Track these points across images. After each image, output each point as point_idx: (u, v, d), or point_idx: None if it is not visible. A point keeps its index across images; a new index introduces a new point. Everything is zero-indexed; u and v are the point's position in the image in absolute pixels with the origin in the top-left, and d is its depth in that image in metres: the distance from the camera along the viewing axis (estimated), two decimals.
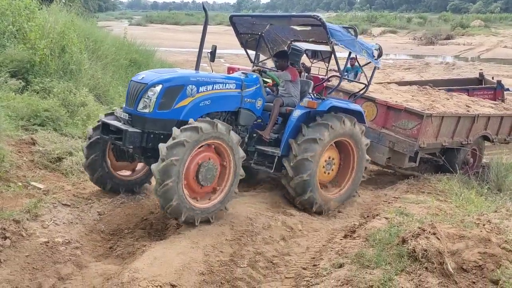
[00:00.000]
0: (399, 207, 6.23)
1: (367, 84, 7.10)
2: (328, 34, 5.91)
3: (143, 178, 6.33)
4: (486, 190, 7.28)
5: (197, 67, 5.73)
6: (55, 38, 10.45)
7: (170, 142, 4.76)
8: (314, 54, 12.31)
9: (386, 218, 5.58)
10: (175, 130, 4.85)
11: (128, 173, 6.31)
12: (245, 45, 7.42)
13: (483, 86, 13.00)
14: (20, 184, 5.83)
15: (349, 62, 10.90)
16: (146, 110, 5.16)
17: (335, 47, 6.27)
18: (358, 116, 6.64)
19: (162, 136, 5.19)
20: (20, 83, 9.04)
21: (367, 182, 7.99)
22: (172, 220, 5.39)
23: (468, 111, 8.73)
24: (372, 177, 8.76)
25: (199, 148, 5.01)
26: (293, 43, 7.76)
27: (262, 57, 7.93)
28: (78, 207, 5.55)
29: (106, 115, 5.71)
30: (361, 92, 7.27)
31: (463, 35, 47.03)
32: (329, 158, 6.43)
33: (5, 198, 5.36)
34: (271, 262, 4.73)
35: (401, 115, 7.87)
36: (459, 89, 12.01)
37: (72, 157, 6.89)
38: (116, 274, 4.13)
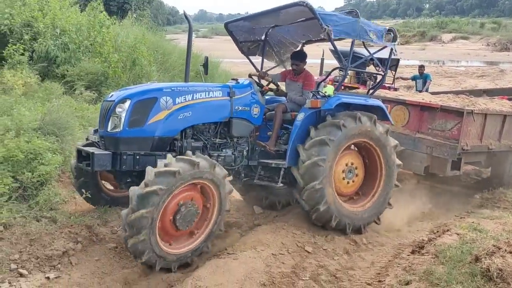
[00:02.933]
0: (472, 222, 5.87)
1: (383, 74, 6.30)
2: (320, 20, 5.16)
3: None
4: None
5: (186, 79, 5.29)
6: (127, 52, 10.99)
7: (142, 189, 4.11)
8: (380, 62, 12.04)
9: (458, 234, 5.26)
10: (149, 172, 4.20)
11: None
12: (247, 53, 6.68)
13: None
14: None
15: (417, 69, 10.23)
16: (117, 130, 4.62)
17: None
18: (379, 113, 5.87)
19: (138, 157, 4.67)
20: (94, 94, 9.57)
21: (438, 195, 7.58)
22: (234, 229, 5.43)
23: None
24: (438, 187, 8.26)
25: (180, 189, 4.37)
26: (305, 45, 6.74)
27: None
28: None
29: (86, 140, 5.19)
30: (378, 84, 6.43)
31: None
32: (350, 164, 5.71)
33: (78, 204, 5.65)
34: (334, 276, 4.61)
35: (437, 115, 7.04)
36: None
37: None
38: (179, 281, 4.20)
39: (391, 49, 6.06)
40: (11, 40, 9.39)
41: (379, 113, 5.89)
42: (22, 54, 9.01)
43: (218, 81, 13.63)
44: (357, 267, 4.84)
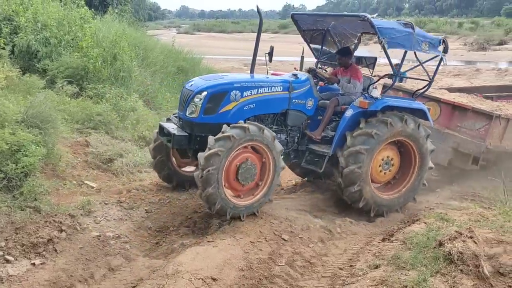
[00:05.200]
0: (440, 213, 6.19)
1: (429, 80, 6.72)
2: (378, 33, 5.79)
3: None
4: None
5: (252, 71, 6.05)
6: (108, 47, 11.03)
7: (207, 152, 5.06)
8: (359, 61, 12.31)
9: (425, 223, 5.57)
10: (210, 140, 5.13)
11: (192, 168, 6.55)
12: (309, 41, 7.37)
13: None
14: (75, 182, 6.26)
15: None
16: (193, 115, 5.53)
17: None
18: (421, 115, 6.48)
19: None
20: (75, 88, 9.62)
21: None
22: (214, 219, 5.62)
23: None
24: None
25: (236, 151, 5.26)
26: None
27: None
28: (127, 205, 5.89)
29: (167, 119, 6.18)
30: (424, 89, 6.93)
31: None
32: (388, 157, 6.33)
33: (61, 194, 5.78)
34: (309, 262, 4.86)
35: (468, 115, 7.77)
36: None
37: (122, 158, 7.31)
38: (161, 267, 4.39)
39: (441, 58, 6.54)
40: None
41: (421, 115, 6.49)
42: (3, 48, 9.03)
43: None
44: (330, 254, 5.10)
